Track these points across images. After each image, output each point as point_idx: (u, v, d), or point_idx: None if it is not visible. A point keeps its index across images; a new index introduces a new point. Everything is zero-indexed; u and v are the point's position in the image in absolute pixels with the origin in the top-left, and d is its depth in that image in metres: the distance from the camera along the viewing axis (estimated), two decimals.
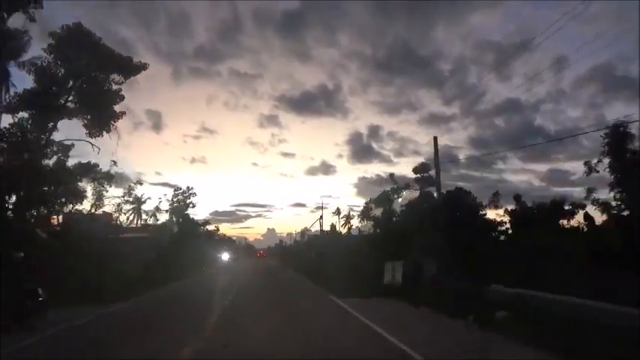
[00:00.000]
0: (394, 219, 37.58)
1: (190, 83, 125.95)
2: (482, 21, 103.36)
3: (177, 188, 54.60)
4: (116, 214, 41.84)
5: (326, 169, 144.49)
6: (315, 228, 67.62)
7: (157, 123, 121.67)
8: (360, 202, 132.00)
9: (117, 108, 28.76)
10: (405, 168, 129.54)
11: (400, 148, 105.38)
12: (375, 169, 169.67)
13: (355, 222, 63.60)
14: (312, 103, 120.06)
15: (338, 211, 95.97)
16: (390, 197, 38.79)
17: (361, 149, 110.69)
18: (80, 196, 28.30)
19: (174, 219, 52.39)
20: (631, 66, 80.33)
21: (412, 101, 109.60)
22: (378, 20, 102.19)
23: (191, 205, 54.25)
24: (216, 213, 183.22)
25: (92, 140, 28.46)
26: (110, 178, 31.64)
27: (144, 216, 53.92)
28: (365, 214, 41.70)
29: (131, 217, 52.50)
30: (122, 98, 28.62)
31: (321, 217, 56.59)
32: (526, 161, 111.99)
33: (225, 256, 62.31)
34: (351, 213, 79.52)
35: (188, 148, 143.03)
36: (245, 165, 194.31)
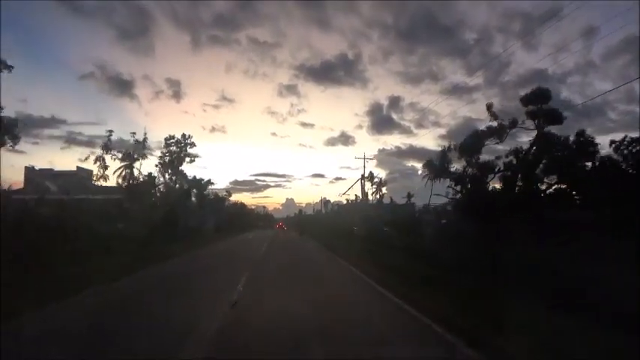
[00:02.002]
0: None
1: (209, 52, 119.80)
2: None
3: (168, 137, 41.64)
4: (98, 172, 31.68)
5: (345, 139, 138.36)
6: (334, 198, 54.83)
7: (176, 92, 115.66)
8: (380, 174, 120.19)
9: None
10: (425, 140, 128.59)
11: (421, 119, 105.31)
12: (394, 141, 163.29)
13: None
14: (331, 72, 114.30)
15: (371, 176, 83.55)
16: (481, 140, 24.70)
17: (381, 120, 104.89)
18: None
19: (163, 177, 39.82)
20: None
21: (434, 71, 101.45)
22: None
23: (188, 159, 41.46)
24: (235, 182, 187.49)
25: None
26: None
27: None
28: (434, 170, 27.63)
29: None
30: None
31: (363, 176, 42.93)
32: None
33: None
34: (383, 179, 69.82)
35: (208, 117, 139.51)
36: (264, 135, 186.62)
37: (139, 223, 25.69)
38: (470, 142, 25.11)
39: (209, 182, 48.51)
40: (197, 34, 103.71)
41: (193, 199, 72.63)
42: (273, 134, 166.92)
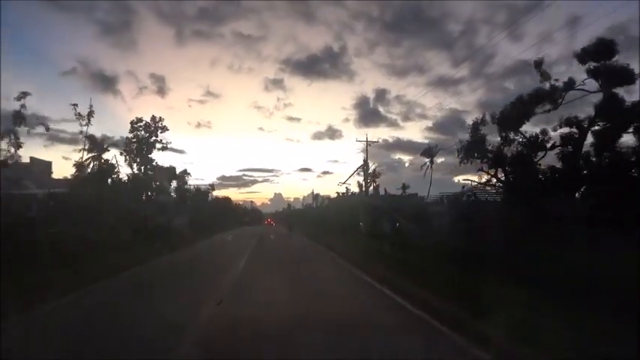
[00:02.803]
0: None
1: (193, 46, 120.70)
2: None
3: (135, 120, 35.14)
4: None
5: (332, 133, 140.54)
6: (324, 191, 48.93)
7: (161, 87, 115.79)
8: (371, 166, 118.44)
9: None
10: (412, 133, 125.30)
11: (407, 112, 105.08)
12: (382, 134, 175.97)
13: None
14: (317, 65, 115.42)
15: (365, 166, 78.15)
16: (528, 107, 19.05)
17: (368, 113, 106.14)
18: None
19: (131, 167, 33.46)
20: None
21: (420, 63, 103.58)
22: None
23: (159, 146, 35.15)
24: (223, 178, 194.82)
25: None
26: None
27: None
28: (463, 150, 21.78)
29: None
30: None
31: (365, 162, 37.09)
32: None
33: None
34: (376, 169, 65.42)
35: (193, 112, 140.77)
36: (251, 129, 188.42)
37: (84, 224, 19.49)
38: (513, 110, 19.50)
39: (185, 173, 42.05)
40: (181, 28, 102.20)
41: (173, 193, 66.62)
42: (260, 129, 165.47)
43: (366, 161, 36.28)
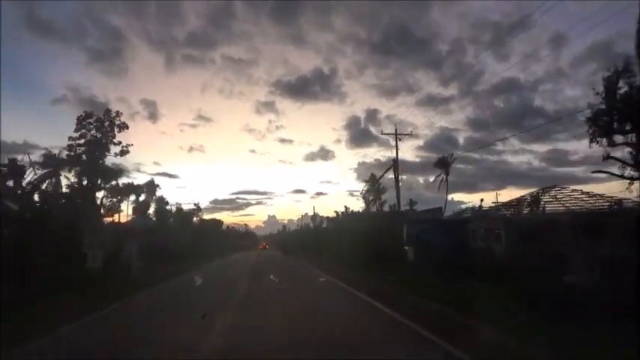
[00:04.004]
0: None
1: (184, 71, 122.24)
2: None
3: (83, 116, 26.15)
4: None
5: (325, 154, 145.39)
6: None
7: (152, 112, 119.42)
8: (360, 187, 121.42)
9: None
10: (404, 152, 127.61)
11: (399, 131, 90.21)
12: (374, 154, 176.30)
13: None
14: (308, 88, 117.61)
15: (372, 179, 69.90)
16: None
17: (359, 133, 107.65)
18: None
19: (68, 179, 24.36)
20: (631, 43, 63.50)
21: (409, 83, 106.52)
22: (372, 1, 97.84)
23: (118, 150, 26.19)
24: (216, 201, 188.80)
25: None
26: None
27: None
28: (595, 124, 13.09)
29: None
30: None
31: (395, 162, 27.74)
32: (525, 142, 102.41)
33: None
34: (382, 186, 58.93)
35: (185, 137, 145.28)
36: (243, 152, 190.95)
37: None
38: None
39: (153, 185, 32.18)
40: (171, 53, 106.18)
41: (152, 215, 57.17)
42: (252, 151, 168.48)
43: (396, 162, 27.38)
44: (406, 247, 18.01)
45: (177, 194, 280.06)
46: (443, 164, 62.07)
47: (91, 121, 26.18)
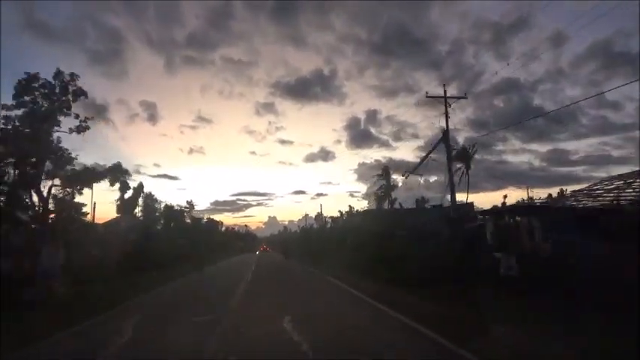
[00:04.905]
0: None
1: (184, 72, 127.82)
2: None
3: (29, 77, 19.64)
4: None
5: (325, 155, 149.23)
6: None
7: (152, 114, 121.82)
8: (361, 188, 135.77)
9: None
10: (404, 152, 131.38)
11: (399, 132, 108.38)
12: (374, 154, 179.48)
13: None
14: (308, 89, 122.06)
15: (386, 172, 63.55)
16: None
17: (359, 134, 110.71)
18: None
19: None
20: (631, 42, 79.84)
21: (409, 84, 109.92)
22: (372, 2, 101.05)
23: (70, 124, 19.78)
24: (216, 203, 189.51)
25: None
26: None
27: None
28: None
29: None
30: None
31: (446, 133, 20.81)
32: (526, 141, 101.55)
33: None
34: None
35: (185, 138, 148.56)
36: (243, 154, 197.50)
37: None
38: None
39: (121, 170, 24.87)
40: (171, 55, 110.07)
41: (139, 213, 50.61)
42: (252, 153, 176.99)
43: (447, 132, 20.72)
44: (496, 254, 11.32)
45: (178, 196, 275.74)
46: (463, 157, 55.64)
47: (36, 85, 19.75)
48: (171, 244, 34.65)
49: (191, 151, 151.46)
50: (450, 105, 20.21)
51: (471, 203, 46.81)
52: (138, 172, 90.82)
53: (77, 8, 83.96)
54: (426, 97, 20.72)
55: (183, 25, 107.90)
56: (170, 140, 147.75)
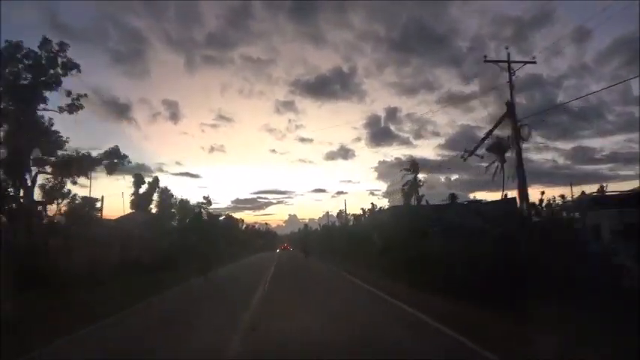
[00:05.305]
0: None
1: (204, 72, 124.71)
2: None
3: (8, 46, 16.79)
4: None
5: (345, 153, 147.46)
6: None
7: (174, 113, 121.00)
8: (381, 186, 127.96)
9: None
10: (425, 150, 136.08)
11: (419, 129, 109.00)
12: (394, 152, 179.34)
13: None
14: (327, 86, 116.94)
15: (414, 166, 59.62)
16: None
17: (379, 132, 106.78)
18: None
19: None
20: None
21: (430, 81, 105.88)
22: None
23: (58, 101, 16.82)
24: (237, 201, 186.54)
25: None
26: None
27: None
28: None
29: None
30: None
31: (511, 106, 16.72)
32: (549, 139, 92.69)
33: None
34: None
35: (206, 137, 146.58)
36: (263, 152, 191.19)
37: None
38: None
39: (119, 155, 21.18)
40: (191, 54, 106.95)
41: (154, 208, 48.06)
42: (273, 151, 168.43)
43: (512, 105, 16.71)
44: (617, 259, 7.64)
45: (199, 194, 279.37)
46: (498, 149, 51.06)
47: (19, 56, 16.96)
48: (184, 242, 31.81)
49: (212, 149, 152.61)
50: (513, 72, 16.26)
51: (514, 199, 42.50)
52: (160, 170, 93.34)
53: (99, 9, 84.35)
54: (484, 61, 16.78)
55: (203, 25, 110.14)
56: (191, 139, 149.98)
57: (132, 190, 50.69)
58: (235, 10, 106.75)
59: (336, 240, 53.62)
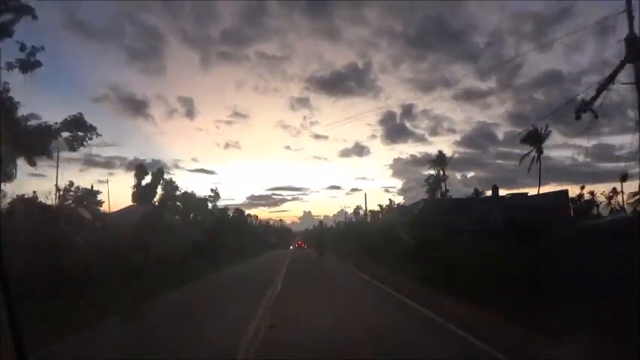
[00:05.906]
0: None
1: (219, 68, 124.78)
2: None
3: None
4: None
5: (359, 150, 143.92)
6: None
7: (189, 110, 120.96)
8: (396, 183, 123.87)
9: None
10: (441, 147, 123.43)
11: (435, 126, 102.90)
12: (409, 149, 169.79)
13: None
14: (342, 83, 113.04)
15: (441, 159, 55.60)
16: None
17: (395, 129, 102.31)
18: None
19: None
20: None
21: (446, 77, 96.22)
22: None
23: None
24: (252, 197, 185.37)
25: None
26: None
27: None
28: None
29: None
30: None
31: (635, 40, 11.84)
32: (569, 136, 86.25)
33: None
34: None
35: (221, 133, 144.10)
36: (278, 148, 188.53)
37: None
38: None
39: (83, 127, 16.23)
40: (206, 51, 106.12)
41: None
42: (287, 147, 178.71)
43: (635, 41, 11.97)
44: None
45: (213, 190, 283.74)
46: (534, 139, 45.96)
47: None
48: (185, 240, 27.88)
49: (227, 145, 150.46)
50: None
51: (565, 191, 37.53)
52: (176, 166, 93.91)
53: (116, 8, 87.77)
54: None
55: (219, 22, 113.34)
56: (207, 135, 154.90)
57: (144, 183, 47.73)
58: (250, 6, 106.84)
59: (352, 237, 49.21)
